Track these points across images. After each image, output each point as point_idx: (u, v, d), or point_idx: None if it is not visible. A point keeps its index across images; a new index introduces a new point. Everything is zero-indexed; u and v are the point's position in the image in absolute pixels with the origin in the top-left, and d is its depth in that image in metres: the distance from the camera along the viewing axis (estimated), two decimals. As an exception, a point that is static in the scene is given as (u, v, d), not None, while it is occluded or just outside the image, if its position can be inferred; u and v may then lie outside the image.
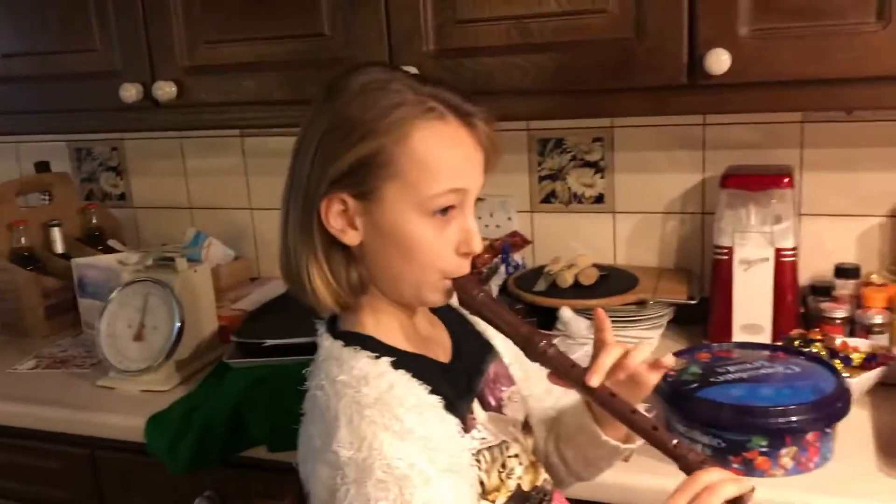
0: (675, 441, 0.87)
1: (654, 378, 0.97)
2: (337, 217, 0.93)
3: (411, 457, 0.85)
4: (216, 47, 1.66)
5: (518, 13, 1.43)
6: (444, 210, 0.92)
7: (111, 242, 2.13)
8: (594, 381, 0.89)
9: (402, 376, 0.90)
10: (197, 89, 1.69)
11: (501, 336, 1.09)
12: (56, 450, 1.61)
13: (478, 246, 0.94)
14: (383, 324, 0.98)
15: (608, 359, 0.91)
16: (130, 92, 1.69)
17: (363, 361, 0.91)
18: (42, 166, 2.22)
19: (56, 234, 2.04)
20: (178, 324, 1.60)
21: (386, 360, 0.91)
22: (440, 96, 0.93)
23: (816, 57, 1.26)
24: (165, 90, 1.68)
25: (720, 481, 0.82)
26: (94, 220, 2.15)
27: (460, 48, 1.47)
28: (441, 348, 1.03)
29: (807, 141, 1.65)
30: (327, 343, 0.97)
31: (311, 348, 1.49)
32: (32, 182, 2.18)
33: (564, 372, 0.92)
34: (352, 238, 0.93)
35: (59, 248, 2.04)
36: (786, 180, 1.54)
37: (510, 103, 1.45)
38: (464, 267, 0.95)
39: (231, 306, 1.94)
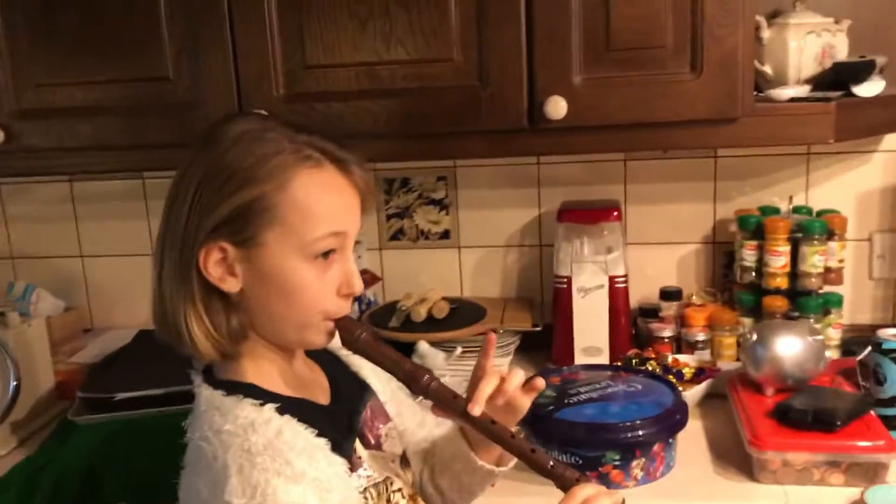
0: (551, 462, 0.94)
1: (527, 401, 1.03)
2: (216, 265, 0.92)
3: (305, 500, 0.86)
4: (48, 90, 1.58)
5: (367, 59, 1.47)
6: (326, 254, 0.94)
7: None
8: (476, 410, 0.94)
9: (289, 421, 0.91)
10: (27, 134, 1.60)
11: (375, 374, 1.13)
12: None
13: (359, 287, 0.97)
14: (263, 370, 0.98)
15: (488, 387, 0.96)
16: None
17: (248, 409, 0.91)
18: None
19: None
20: (14, 382, 1.50)
21: (271, 407, 0.91)
22: (316, 144, 0.95)
23: (641, 103, 1.40)
24: (-8, 135, 1.58)
25: (595, 495, 0.89)
26: None
27: (311, 93, 1.50)
28: (320, 390, 1.04)
29: (630, 177, 1.81)
30: (206, 393, 0.95)
31: (165, 400, 1.48)
32: None
33: (447, 403, 0.96)
34: (231, 286, 0.93)
35: None
36: (615, 213, 1.69)
37: (361, 146, 1.48)
38: (345, 308, 0.97)
39: (67, 360, 1.83)
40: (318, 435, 0.92)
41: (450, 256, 1.92)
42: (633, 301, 1.78)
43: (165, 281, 0.94)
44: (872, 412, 1.33)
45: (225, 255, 0.92)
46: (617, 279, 1.67)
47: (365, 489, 0.97)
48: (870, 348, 1.39)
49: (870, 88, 1.46)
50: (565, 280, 1.68)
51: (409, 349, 1.67)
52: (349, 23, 1.46)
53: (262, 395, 0.93)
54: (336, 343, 1.04)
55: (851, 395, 1.38)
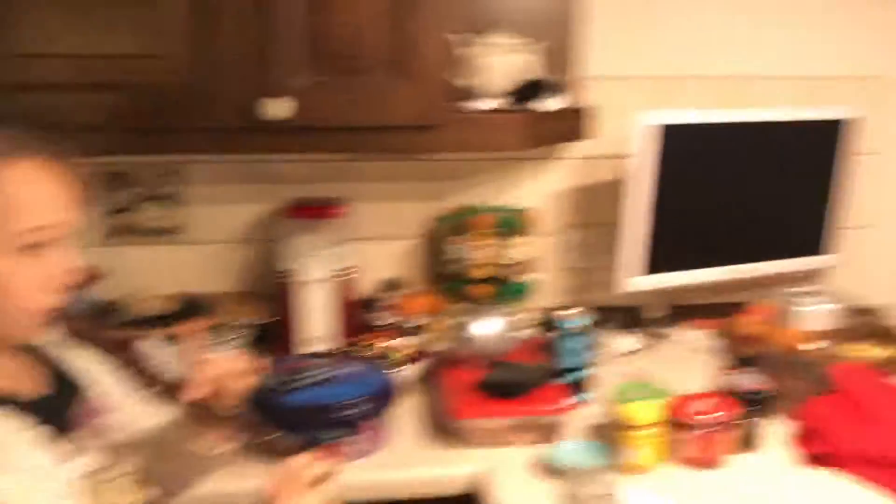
0: (268, 437, 1.02)
1: (241, 386, 1.10)
2: None
3: (15, 491, 0.85)
4: None
5: (83, 52, 1.45)
6: (34, 247, 0.93)
7: None
8: (188, 397, 0.99)
9: None
10: None
11: (92, 365, 1.13)
12: None
13: (73, 277, 0.97)
14: None
15: (201, 375, 1.02)
16: None
17: None
18: None
19: None
20: None
21: None
22: (19, 137, 0.94)
23: (355, 107, 1.51)
24: None
25: (309, 463, 0.99)
26: None
27: (19, 82, 1.44)
28: (32, 382, 1.03)
29: (356, 175, 1.93)
30: None
31: None
32: None
33: (166, 392, 1.00)
34: None
35: None
36: (340, 210, 1.79)
37: (78, 138, 1.45)
38: (56, 302, 0.97)
39: None
40: (29, 427, 0.92)
41: (178, 252, 1.92)
42: (361, 293, 1.90)
43: None
44: (556, 381, 1.54)
45: None
46: (341, 272, 1.78)
47: (82, 478, 0.98)
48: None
49: (551, 103, 1.69)
50: (290, 273, 1.75)
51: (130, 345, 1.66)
52: (69, 11, 1.43)
53: None
54: (52, 336, 1.04)
55: (538, 368, 1.59)
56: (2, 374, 0.99)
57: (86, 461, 1.01)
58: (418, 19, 1.48)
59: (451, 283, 1.86)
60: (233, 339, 1.76)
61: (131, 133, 1.50)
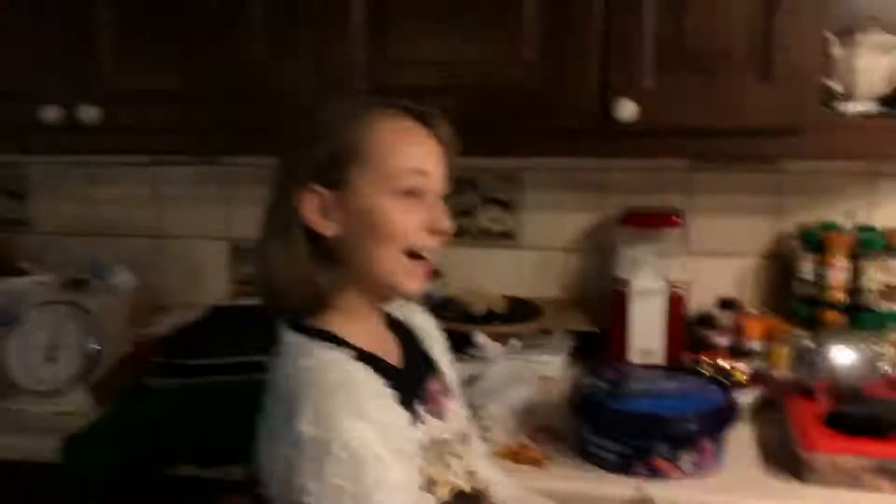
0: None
1: None
2: (313, 211, 1.01)
3: (367, 438, 0.91)
4: (142, 73, 1.68)
5: (443, 57, 1.54)
6: (412, 192, 1.02)
7: (23, 265, 2.07)
8: None
9: (363, 367, 0.97)
10: (121, 114, 1.70)
11: (444, 357, 1.20)
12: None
13: (446, 224, 1.04)
14: (347, 323, 1.05)
15: None
16: (51, 114, 1.69)
17: (326, 351, 0.98)
18: (-67, 188, 2.15)
19: (-51, 256, 1.97)
20: (96, 346, 1.60)
21: (348, 352, 0.98)
22: (398, 103, 1.06)
23: (709, 109, 1.44)
24: (90, 114, 1.68)
25: None
26: (-10, 245, 2.09)
27: (390, 86, 1.56)
28: (393, 354, 1.11)
29: (694, 187, 1.84)
30: (290, 337, 1.03)
31: (234, 369, 1.55)
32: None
33: None
34: (329, 229, 1.02)
35: (-50, 271, 1.97)
36: (677, 220, 1.72)
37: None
38: (432, 244, 1.04)
39: (141, 332, 1.92)
40: (388, 387, 0.97)
41: (510, 256, 1.97)
42: (691, 308, 1.80)
43: (269, 239, 1.04)
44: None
45: (321, 200, 1.01)
46: (675, 285, 1.70)
47: (424, 445, 1.02)
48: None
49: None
50: (624, 283, 1.72)
51: (467, 341, 1.72)
52: (430, 20, 1.53)
53: (341, 343, 1.00)
54: (415, 321, 1.13)
55: (906, 407, 1.39)
56: (372, 339, 1.07)
57: (431, 431, 1.05)
58: (788, 16, 1.38)
59: (799, 306, 1.70)
60: (559, 345, 1.77)
61: (483, 135, 1.55)
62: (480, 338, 1.70)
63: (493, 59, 1.53)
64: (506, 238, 1.97)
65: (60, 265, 2.13)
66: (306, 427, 0.90)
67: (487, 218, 1.97)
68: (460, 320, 1.78)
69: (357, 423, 0.91)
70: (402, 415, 0.97)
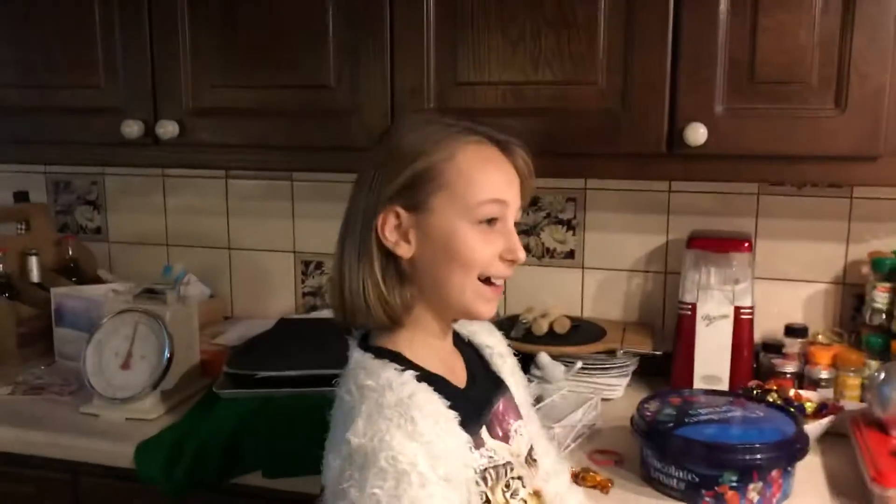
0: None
1: None
2: (392, 231, 1.04)
3: (415, 457, 0.91)
4: (221, 91, 1.74)
5: (514, 79, 1.56)
6: (489, 221, 1.04)
7: (101, 273, 2.15)
8: None
9: (424, 388, 0.98)
10: (199, 130, 1.76)
11: (513, 377, 1.21)
12: (34, 475, 1.62)
13: (521, 254, 1.06)
14: (415, 344, 1.07)
15: None
16: (132, 128, 1.76)
17: (390, 371, 1.00)
18: (21, 196, 2.24)
19: (33, 263, 2.06)
20: (168, 354, 1.65)
21: (411, 373, 1.00)
22: (480, 129, 1.08)
23: (780, 135, 1.42)
24: (168, 129, 1.74)
25: None
26: (70, 252, 2.17)
27: (459, 108, 1.59)
28: (459, 375, 1.12)
29: (762, 211, 1.82)
30: (357, 355, 1.05)
31: (302, 381, 1.58)
32: (11, 212, 2.19)
33: None
34: (405, 251, 1.04)
35: (35, 277, 2.05)
36: (745, 245, 1.70)
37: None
38: (506, 273, 1.07)
39: (210, 341, 1.98)
40: (449, 408, 0.98)
41: (573, 276, 1.97)
42: (757, 334, 1.78)
43: (346, 256, 1.06)
44: None
45: (399, 222, 1.03)
46: (742, 310, 1.68)
47: (485, 469, 1.03)
48: None
49: None
50: (690, 307, 1.70)
51: (529, 360, 1.72)
52: (501, 43, 1.55)
53: (405, 363, 1.02)
54: (483, 339, 1.13)
55: (984, 444, 1.35)
56: (438, 360, 1.08)
57: (494, 455, 1.06)
58: (864, 42, 1.36)
59: (870, 335, 1.66)
60: (622, 366, 1.76)
61: (554, 157, 1.55)
62: (543, 358, 1.70)
63: (564, 82, 1.53)
64: (569, 258, 1.97)
65: (134, 274, 2.21)
66: (358, 438, 0.92)
67: (551, 237, 1.97)
68: (522, 340, 1.78)
69: (409, 442, 0.92)
70: (460, 437, 0.98)
